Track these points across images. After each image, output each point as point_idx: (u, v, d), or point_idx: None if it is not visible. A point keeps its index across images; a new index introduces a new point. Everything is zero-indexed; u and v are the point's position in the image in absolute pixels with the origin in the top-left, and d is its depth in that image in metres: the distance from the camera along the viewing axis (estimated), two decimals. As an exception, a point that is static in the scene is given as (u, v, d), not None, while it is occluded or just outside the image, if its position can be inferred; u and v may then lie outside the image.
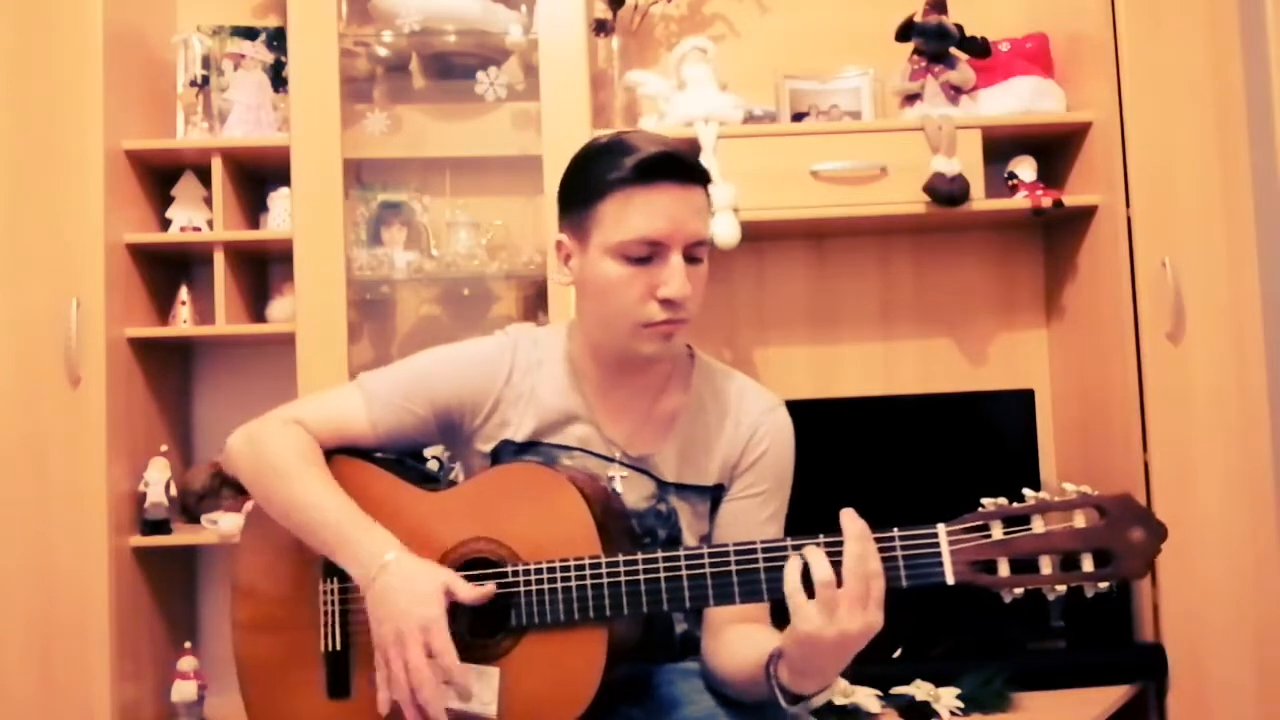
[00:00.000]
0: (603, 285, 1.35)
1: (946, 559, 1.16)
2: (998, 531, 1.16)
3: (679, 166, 1.34)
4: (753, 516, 1.42)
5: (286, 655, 1.39)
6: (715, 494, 1.44)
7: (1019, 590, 1.16)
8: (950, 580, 1.16)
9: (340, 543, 1.31)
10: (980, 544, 1.16)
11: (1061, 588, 1.16)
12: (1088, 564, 1.15)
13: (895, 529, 1.18)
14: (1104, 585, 1.16)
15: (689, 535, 1.43)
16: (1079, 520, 1.16)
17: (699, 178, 1.37)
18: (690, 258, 1.34)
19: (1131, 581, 1.23)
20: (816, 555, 1.14)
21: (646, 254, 1.33)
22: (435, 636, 1.22)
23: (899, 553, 1.17)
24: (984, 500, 1.19)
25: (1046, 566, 1.16)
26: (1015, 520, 1.16)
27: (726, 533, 1.43)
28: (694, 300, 1.35)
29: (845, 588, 1.12)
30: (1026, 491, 1.18)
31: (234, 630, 1.42)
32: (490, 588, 1.27)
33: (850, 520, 1.16)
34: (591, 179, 1.35)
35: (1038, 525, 1.16)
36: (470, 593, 1.26)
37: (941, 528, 1.17)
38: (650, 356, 1.37)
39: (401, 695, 1.23)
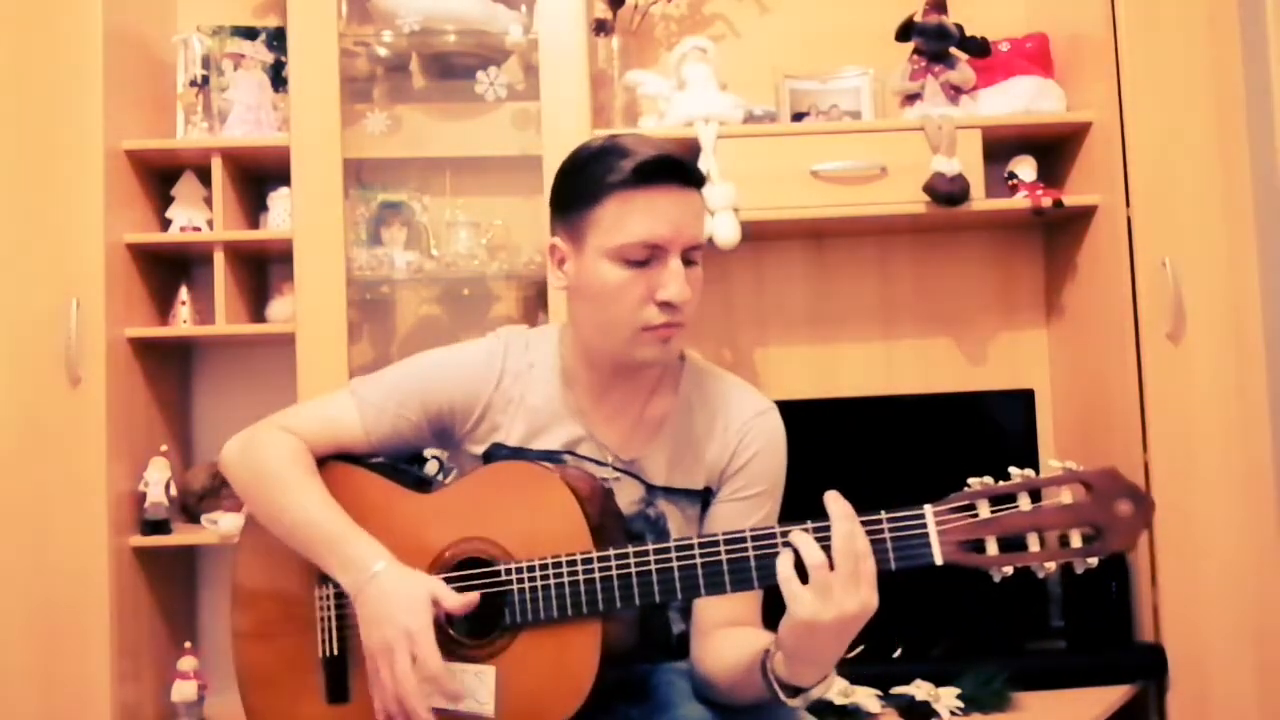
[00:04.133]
0: (600, 289, 1.33)
1: (934, 540, 1.16)
2: (985, 510, 1.16)
3: (678, 169, 1.33)
4: (741, 520, 1.39)
5: (286, 661, 1.39)
6: (705, 498, 1.43)
7: (1008, 569, 1.15)
8: (939, 560, 1.15)
9: (330, 552, 1.32)
10: (968, 524, 1.16)
11: (1051, 565, 1.15)
12: (1076, 540, 1.15)
13: (883, 511, 1.17)
14: (1093, 561, 1.15)
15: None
16: (1066, 497, 1.15)
17: (696, 181, 1.36)
18: (687, 261, 1.33)
19: (1125, 552, 1.22)
20: (805, 540, 1.14)
21: (645, 257, 1.31)
22: (420, 645, 1.23)
23: (887, 535, 1.17)
24: (970, 480, 1.18)
25: (1035, 544, 1.15)
26: (1002, 499, 1.16)
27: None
28: (691, 304, 1.34)
29: (837, 569, 1.12)
30: (1013, 470, 1.18)
31: (234, 639, 1.43)
32: (474, 596, 1.27)
33: (834, 502, 1.16)
34: (588, 181, 1.34)
35: (1024, 503, 1.15)
36: (456, 600, 1.27)
37: (929, 508, 1.17)
38: (647, 362, 1.36)
39: (388, 703, 1.24)
